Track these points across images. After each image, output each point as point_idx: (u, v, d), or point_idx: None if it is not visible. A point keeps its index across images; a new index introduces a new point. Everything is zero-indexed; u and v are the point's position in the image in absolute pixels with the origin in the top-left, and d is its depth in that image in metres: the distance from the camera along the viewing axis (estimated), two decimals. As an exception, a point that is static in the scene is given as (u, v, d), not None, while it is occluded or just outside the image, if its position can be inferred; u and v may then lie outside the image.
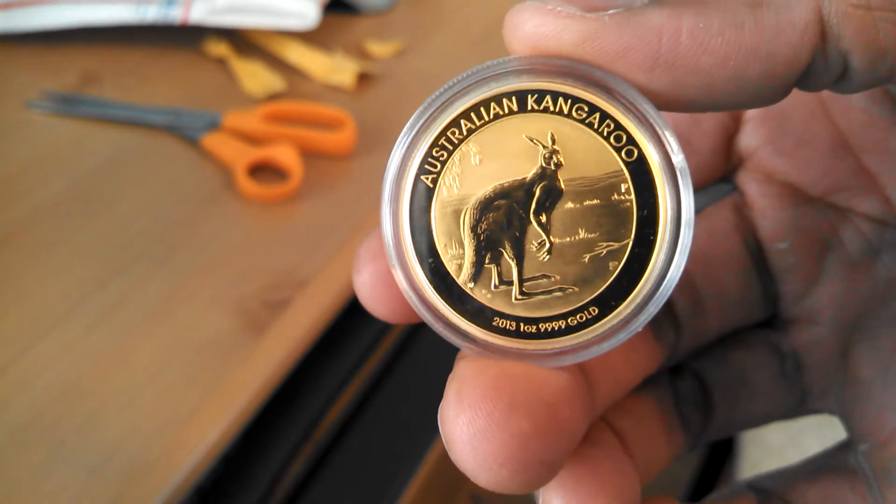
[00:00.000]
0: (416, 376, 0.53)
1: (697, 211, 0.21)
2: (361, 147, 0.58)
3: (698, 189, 0.24)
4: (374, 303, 0.20)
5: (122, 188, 0.54)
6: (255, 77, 0.63)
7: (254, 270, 0.49)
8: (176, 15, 0.63)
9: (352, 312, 0.50)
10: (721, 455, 0.93)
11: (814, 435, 0.71)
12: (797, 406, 0.23)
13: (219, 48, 0.66)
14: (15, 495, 0.38)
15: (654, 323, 0.22)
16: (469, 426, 0.17)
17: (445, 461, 0.50)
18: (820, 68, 0.17)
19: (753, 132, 0.23)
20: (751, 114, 0.23)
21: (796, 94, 0.18)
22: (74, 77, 0.63)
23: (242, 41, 0.67)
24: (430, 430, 0.51)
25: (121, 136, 0.58)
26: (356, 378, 0.51)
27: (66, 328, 0.45)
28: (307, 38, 0.66)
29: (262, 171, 0.55)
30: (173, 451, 0.40)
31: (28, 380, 0.42)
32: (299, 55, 0.65)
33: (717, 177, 0.24)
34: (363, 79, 0.65)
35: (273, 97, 0.62)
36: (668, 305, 0.22)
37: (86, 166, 0.55)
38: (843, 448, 0.22)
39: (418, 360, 0.54)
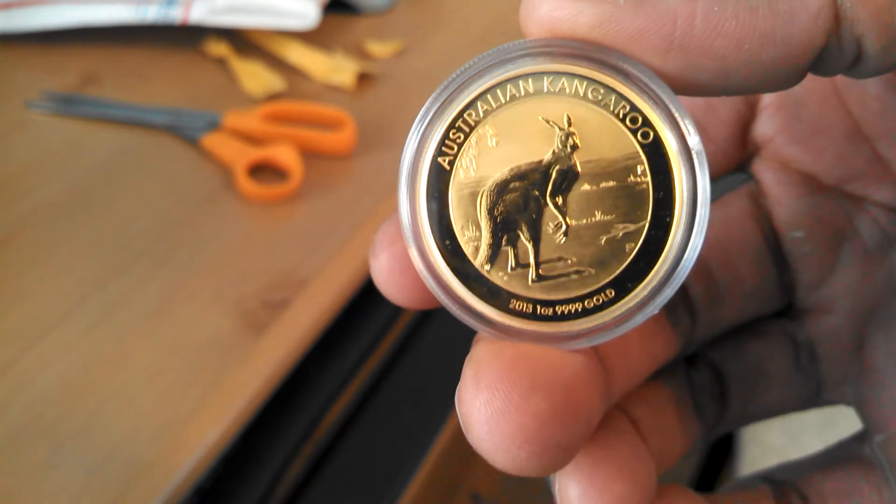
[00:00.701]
0: (416, 376, 0.53)
1: (714, 199, 0.21)
2: (361, 147, 0.58)
3: (715, 178, 0.24)
4: (391, 287, 0.20)
5: (122, 188, 0.54)
6: (255, 77, 0.63)
7: (254, 270, 0.49)
8: (176, 15, 0.63)
9: (352, 312, 0.50)
10: (721, 454, 0.93)
11: (814, 434, 0.71)
12: (812, 397, 0.23)
13: (219, 48, 0.66)
14: (15, 495, 0.38)
15: (671, 310, 0.22)
16: (487, 407, 0.17)
17: (445, 461, 0.50)
18: (834, 53, 0.17)
19: (769, 120, 0.23)
20: (767, 101, 0.23)
21: (811, 81, 0.18)
22: (74, 77, 0.63)
23: (242, 41, 0.67)
24: (430, 430, 0.51)
25: (121, 136, 0.58)
26: (356, 378, 0.51)
27: (66, 328, 0.45)
28: (307, 38, 0.66)
29: (262, 171, 0.55)
30: (173, 451, 0.40)
31: (28, 380, 0.42)
32: (299, 55, 0.65)
33: (734, 165, 0.24)
34: (363, 79, 0.65)
35: (273, 97, 0.62)
36: (685, 292, 0.22)
37: (86, 166, 0.55)
38: (858, 439, 0.22)
39: (418, 360, 0.54)
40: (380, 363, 0.52)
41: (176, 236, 0.51)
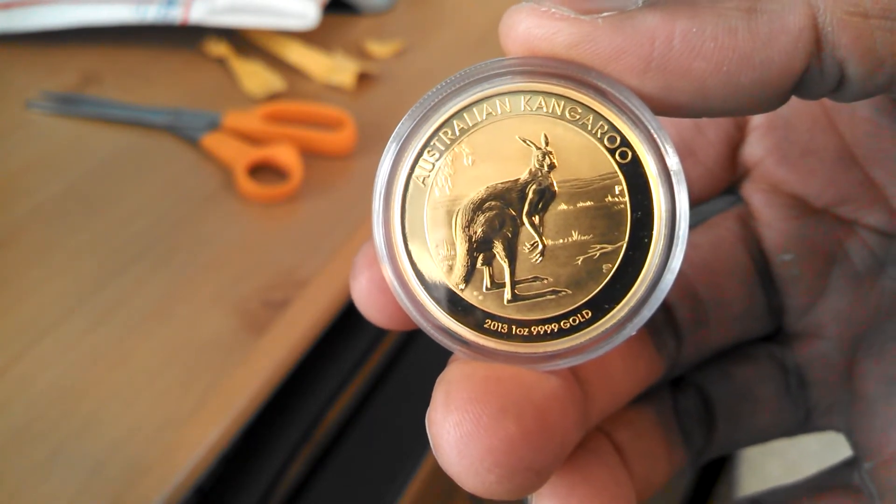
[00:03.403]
0: (416, 376, 0.53)
1: (702, 221, 0.21)
2: (361, 147, 0.58)
3: (703, 200, 0.23)
4: (371, 309, 0.20)
5: (122, 188, 0.54)
6: (255, 77, 0.63)
7: (254, 270, 0.49)
8: (176, 15, 0.63)
9: (351, 313, 0.50)
10: (711, 475, 0.92)
11: (815, 464, 0.70)
12: (802, 423, 0.23)
13: (219, 48, 0.66)
14: (15, 495, 0.38)
15: (655, 332, 0.21)
16: (456, 429, 0.17)
17: (445, 461, 0.50)
18: (816, 76, 0.16)
19: (758, 142, 0.23)
20: (756, 123, 0.23)
21: (800, 103, 0.18)
22: (74, 77, 0.63)
23: (242, 41, 0.67)
24: (429, 430, 0.50)
25: (121, 136, 0.58)
26: (356, 378, 0.51)
27: (65, 328, 0.45)
28: (307, 38, 0.66)
29: (262, 171, 0.55)
30: (173, 451, 0.40)
31: (28, 380, 0.42)
32: (299, 55, 0.65)
33: (722, 187, 0.24)
34: (363, 79, 0.65)
35: (273, 97, 0.62)
36: (670, 314, 0.22)
37: (86, 166, 0.55)
38: (848, 465, 0.22)
39: (417, 360, 0.54)
40: (380, 363, 0.52)
41: (176, 236, 0.51)
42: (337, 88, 0.63)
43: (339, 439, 0.49)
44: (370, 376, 0.52)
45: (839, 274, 0.22)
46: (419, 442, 0.50)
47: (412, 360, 0.54)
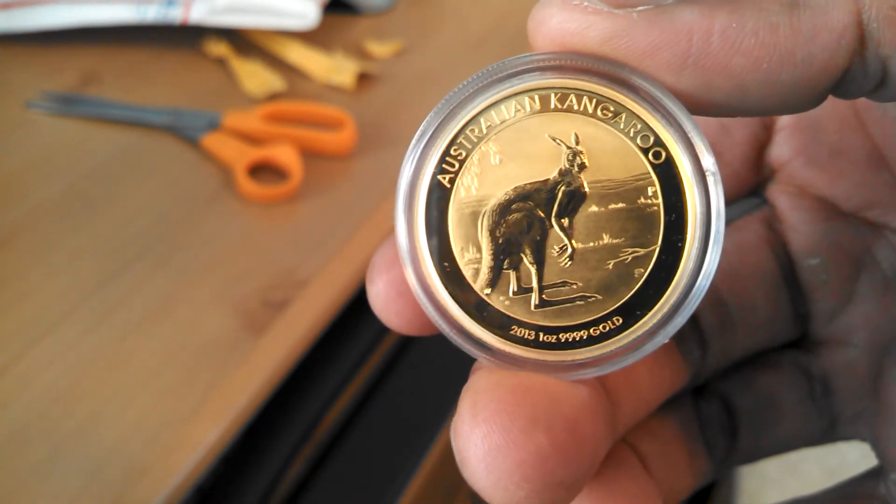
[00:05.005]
0: (416, 376, 0.53)
1: (727, 224, 0.21)
2: (361, 147, 0.58)
3: (728, 202, 0.23)
4: (389, 314, 0.19)
5: (122, 188, 0.54)
6: (255, 77, 0.63)
7: (254, 270, 0.49)
8: (176, 15, 0.63)
9: (351, 312, 0.50)
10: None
11: (814, 462, 0.70)
12: (826, 432, 0.22)
13: (219, 48, 0.66)
14: (15, 495, 0.38)
15: (680, 338, 0.21)
16: (484, 442, 0.16)
17: (445, 461, 0.50)
18: (858, 74, 0.16)
19: (785, 143, 0.22)
20: (783, 123, 0.22)
21: (830, 103, 0.17)
22: (74, 77, 0.63)
23: (242, 41, 0.67)
24: (429, 430, 0.50)
25: (121, 136, 0.58)
26: (356, 378, 0.51)
27: (65, 328, 0.45)
28: (307, 38, 0.66)
29: (262, 171, 0.55)
30: (173, 451, 0.40)
31: (28, 380, 0.42)
32: (299, 55, 0.65)
33: (748, 189, 0.23)
34: (363, 79, 0.64)
35: (273, 97, 0.62)
36: (695, 321, 0.21)
37: (86, 166, 0.55)
38: (872, 476, 0.21)
39: (418, 359, 0.54)
40: (380, 363, 0.52)
41: (176, 236, 0.51)
42: (337, 88, 0.63)
43: (339, 439, 0.49)
44: (370, 376, 0.52)
45: (867, 279, 0.22)
46: (419, 442, 0.50)
47: (412, 360, 0.54)
